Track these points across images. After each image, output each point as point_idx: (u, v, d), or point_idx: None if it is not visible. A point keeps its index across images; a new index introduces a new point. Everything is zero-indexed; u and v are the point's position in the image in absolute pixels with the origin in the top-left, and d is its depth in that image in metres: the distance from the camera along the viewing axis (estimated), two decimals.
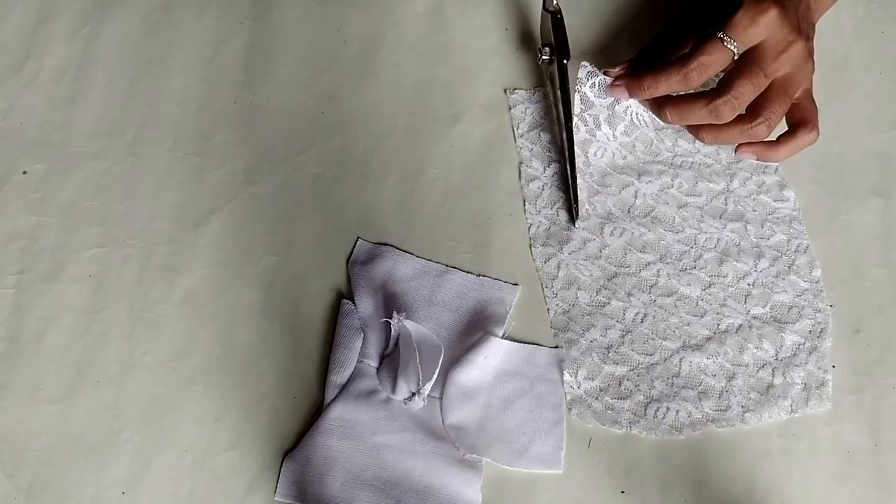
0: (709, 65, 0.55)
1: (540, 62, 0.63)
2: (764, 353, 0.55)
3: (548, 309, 0.57)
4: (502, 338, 0.56)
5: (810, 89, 0.59)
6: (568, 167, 0.60)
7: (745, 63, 0.55)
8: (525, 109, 0.63)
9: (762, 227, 0.59)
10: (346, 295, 0.57)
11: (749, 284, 0.57)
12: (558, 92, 0.61)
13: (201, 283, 0.58)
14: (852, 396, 0.54)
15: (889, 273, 0.58)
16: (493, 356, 0.54)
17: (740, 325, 0.56)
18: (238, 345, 0.56)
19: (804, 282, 0.57)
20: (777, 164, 0.60)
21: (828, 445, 0.53)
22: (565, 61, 0.61)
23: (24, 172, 0.61)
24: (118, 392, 0.55)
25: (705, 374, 0.54)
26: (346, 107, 0.64)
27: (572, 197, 0.59)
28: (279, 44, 0.66)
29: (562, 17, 0.62)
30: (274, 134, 0.62)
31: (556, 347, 0.56)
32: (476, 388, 0.54)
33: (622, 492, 0.52)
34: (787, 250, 0.58)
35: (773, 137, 0.58)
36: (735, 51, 0.55)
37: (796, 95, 0.57)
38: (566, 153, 0.60)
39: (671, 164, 0.61)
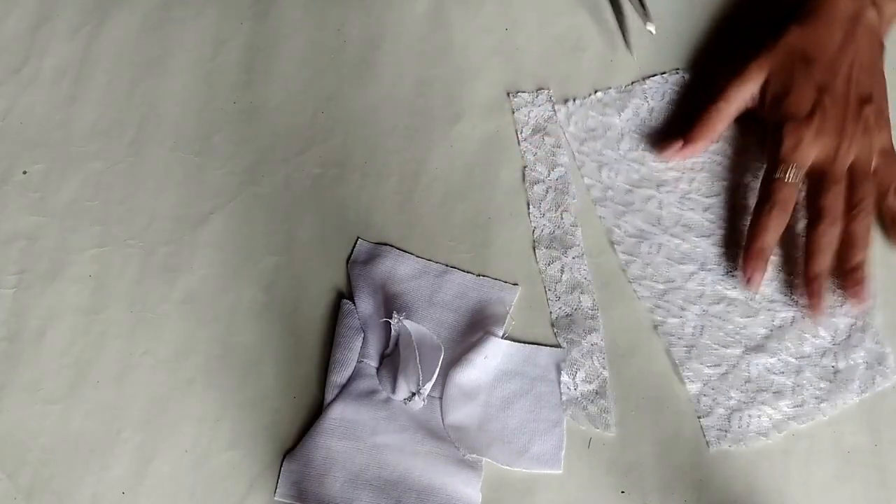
0: (787, 200, 0.56)
1: None
2: (822, 340, 0.55)
3: (550, 312, 0.57)
4: (502, 338, 0.56)
5: (888, 147, 0.58)
6: None
7: (817, 181, 0.57)
8: (528, 113, 0.63)
9: None
10: (346, 295, 0.57)
11: (790, 274, 0.57)
12: None
13: (201, 283, 0.58)
14: None
15: (889, 273, 0.58)
16: (493, 356, 0.55)
17: (793, 316, 0.56)
18: (238, 345, 0.56)
19: None
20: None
21: (828, 445, 0.53)
22: None
23: (24, 172, 0.61)
24: (118, 392, 0.55)
25: (773, 373, 0.55)
26: (346, 107, 0.64)
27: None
28: (279, 44, 0.66)
29: None
30: (274, 134, 0.63)
31: (558, 347, 0.56)
32: (476, 387, 0.54)
33: (622, 492, 0.52)
34: None
35: None
36: (798, 181, 0.56)
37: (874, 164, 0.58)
38: None
39: (684, 168, 0.61)
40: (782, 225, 0.56)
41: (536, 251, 0.58)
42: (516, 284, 0.58)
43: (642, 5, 0.56)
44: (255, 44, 0.66)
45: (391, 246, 0.59)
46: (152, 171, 0.61)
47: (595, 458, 0.53)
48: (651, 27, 0.56)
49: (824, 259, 0.55)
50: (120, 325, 0.56)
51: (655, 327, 0.56)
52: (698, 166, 0.61)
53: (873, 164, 0.57)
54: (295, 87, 0.64)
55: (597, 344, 0.55)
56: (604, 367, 0.55)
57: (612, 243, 0.58)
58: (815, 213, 0.56)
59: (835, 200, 0.56)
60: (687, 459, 0.53)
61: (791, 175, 0.56)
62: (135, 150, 0.62)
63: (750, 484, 0.52)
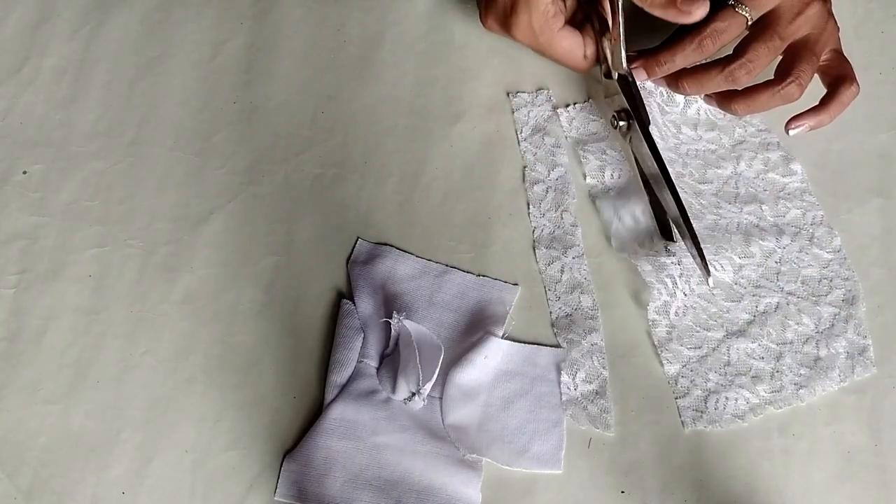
0: (722, 31, 0.56)
1: (618, 130, 0.59)
2: (805, 327, 0.56)
3: (550, 312, 0.57)
4: (502, 338, 0.56)
5: (839, 48, 0.59)
6: (685, 229, 0.55)
7: (760, 27, 0.56)
8: (528, 113, 0.63)
9: (776, 204, 0.59)
10: (346, 295, 0.57)
11: (777, 262, 0.57)
12: (649, 159, 0.57)
13: (201, 283, 0.58)
14: (852, 396, 0.54)
15: (889, 273, 0.58)
16: (493, 356, 0.55)
17: (778, 303, 0.56)
18: (238, 345, 0.56)
19: (827, 253, 0.58)
20: (778, 139, 0.61)
21: (828, 445, 0.53)
22: (650, 128, 0.58)
23: (24, 172, 0.61)
24: (118, 392, 0.55)
25: (753, 357, 0.55)
26: (346, 107, 0.64)
27: (697, 254, 0.54)
28: (279, 44, 0.66)
29: (634, 79, 0.58)
30: (274, 134, 0.63)
31: (558, 347, 0.56)
32: (476, 387, 0.54)
33: (622, 492, 0.52)
34: (805, 224, 0.59)
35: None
36: (748, 16, 0.55)
37: (825, 56, 0.58)
38: (680, 216, 0.55)
39: (678, 153, 0.61)
40: (702, 53, 0.56)
41: (536, 251, 0.59)
42: (516, 284, 0.58)
43: (703, 260, 0.54)
44: (255, 44, 0.66)
45: (391, 246, 0.59)
46: (152, 171, 0.61)
47: (595, 458, 0.53)
48: (711, 281, 0.54)
49: (714, 76, 0.56)
50: (120, 325, 0.56)
51: (648, 304, 0.56)
52: (692, 153, 0.61)
53: (824, 58, 0.58)
54: (295, 87, 0.64)
55: (597, 344, 0.56)
56: (604, 367, 0.55)
57: (608, 237, 0.59)
58: (737, 50, 0.56)
59: (763, 51, 0.56)
60: (687, 459, 0.53)
61: (745, 10, 0.55)
62: (135, 150, 0.62)
63: (750, 484, 0.52)
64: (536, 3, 0.56)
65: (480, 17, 0.60)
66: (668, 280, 0.56)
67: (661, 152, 0.58)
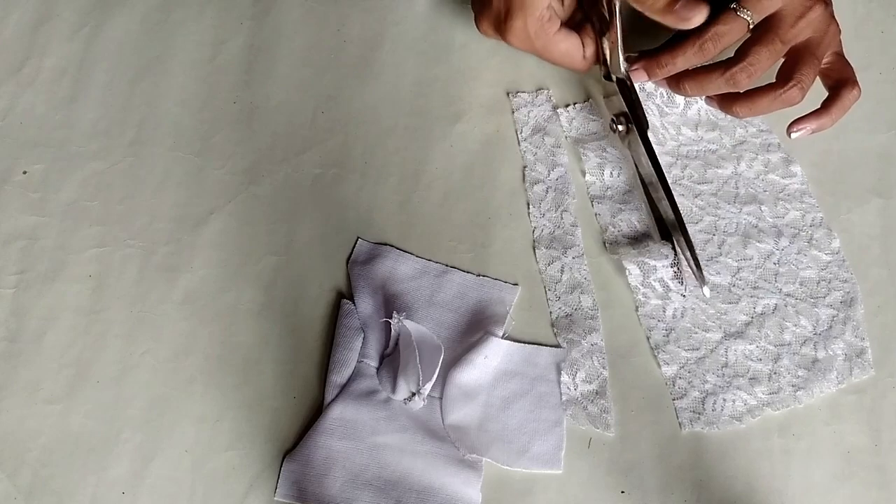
0: (724, 34, 0.56)
1: (616, 133, 0.60)
2: (803, 329, 0.56)
3: (550, 312, 0.57)
4: (502, 338, 0.56)
5: (840, 51, 0.59)
6: (682, 236, 0.55)
7: (762, 31, 0.56)
8: (528, 113, 0.63)
9: (776, 206, 0.59)
10: (346, 295, 0.57)
11: (775, 263, 0.57)
12: (646, 164, 0.58)
13: (201, 283, 0.58)
14: (852, 396, 0.54)
15: (889, 273, 0.58)
16: (493, 356, 0.55)
17: (776, 304, 0.56)
18: (238, 345, 0.56)
19: (825, 255, 0.58)
20: (779, 141, 0.61)
21: (828, 445, 0.53)
22: (648, 132, 0.58)
23: (24, 172, 0.61)
24: (118, 392, 0.55)
25: (751, 359, 0.55)
26: (346, 107, 0.64)
27: (692, 264, 0.55)
28: (279, 44, 0.66)
29: (632, 83, 0.59)
30: (274, 134, 0.63)
31: (558, 347, 0.56)
32: (476, 387, 0.54)
33: (622, 492, 0.52)
34: (804, 225, 0.59)
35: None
36: (749, 20, 0.55)
37: (826, 59, 0.58)
38: (677, 223, 0.56)
39: (678, 155, 0.61)
40: (703, 56, 0.56)
41: (536, 251, 0.59)
42: (516, 284, 0.58)
43: (698, 267, 0.55)
44: (255, 44, 0.66)
45: (391, 246, 0.59)
46: (152, 171, 0.61)
47: (595, 458, 0.53)
48: (706, 290, 0.55)
49: (715, 78, 0.56)
50: (120, 325, 0.56)
51: (637, 308, 0.56)
52: (692, 154, 0.61)
53: (825, 60, 0.58)
54: (295, 87, 0.64)
55: (597, 344, 0.56)
56: (604, 367, 0.55)
57: (604, 243, 0.59)
58: (739, 53, 0.56)
59: (765, 55, 0.56)
60: (687, 459, 0.53)
61: (746, 13, 0.55)
62: (135, 150, 0.62)
63: (750, 484, 0.52)
64: (532, 9, 0.56)
65: (475, 22, 0.60)
66: (656, 284, 0.56)
67: (659, 157, 0.58)
